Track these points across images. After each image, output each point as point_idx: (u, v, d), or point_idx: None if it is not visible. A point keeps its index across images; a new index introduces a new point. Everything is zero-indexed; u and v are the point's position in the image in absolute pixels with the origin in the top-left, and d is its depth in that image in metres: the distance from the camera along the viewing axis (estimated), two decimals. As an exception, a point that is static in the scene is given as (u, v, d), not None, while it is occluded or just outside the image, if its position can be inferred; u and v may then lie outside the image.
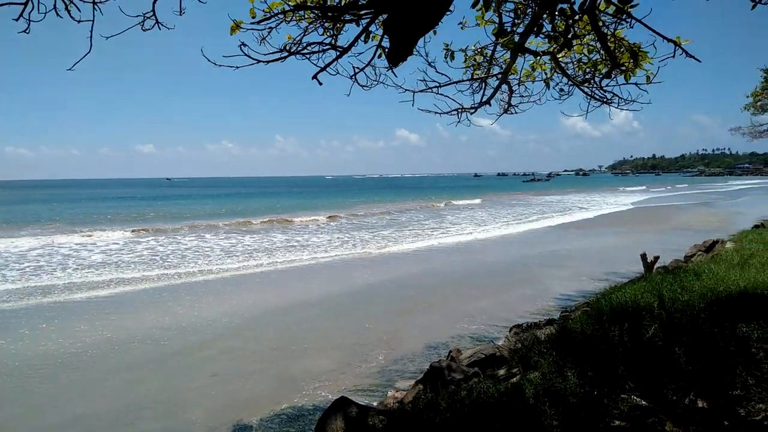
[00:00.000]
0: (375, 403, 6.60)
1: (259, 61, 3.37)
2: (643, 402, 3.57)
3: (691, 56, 4.27)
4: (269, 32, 3.52)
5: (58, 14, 2.73)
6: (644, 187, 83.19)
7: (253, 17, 3.52)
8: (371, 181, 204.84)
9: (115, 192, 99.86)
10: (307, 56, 3.09)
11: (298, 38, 3.56)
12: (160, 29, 2.92)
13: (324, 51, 3.14)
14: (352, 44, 2.97)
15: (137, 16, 2.94)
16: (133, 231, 26.30)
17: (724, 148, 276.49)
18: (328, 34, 3.70)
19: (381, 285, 13.80)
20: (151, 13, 2.94)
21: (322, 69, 2.99)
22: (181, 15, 3.53)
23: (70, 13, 2.73)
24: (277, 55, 3.40)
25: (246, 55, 2.83)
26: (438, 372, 5.87)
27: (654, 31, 4.22)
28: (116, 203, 59.26)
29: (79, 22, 2.86)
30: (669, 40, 4.23)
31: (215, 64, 3.39)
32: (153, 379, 7.87)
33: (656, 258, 9.65)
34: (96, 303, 12.09)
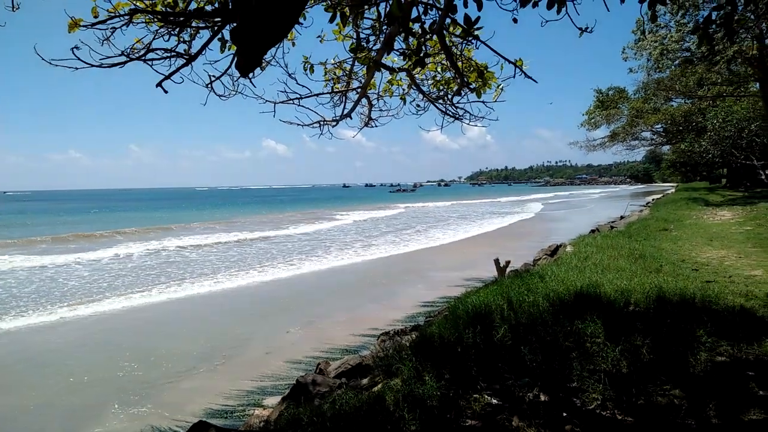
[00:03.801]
0: (240, 425, 6.37)
1: (100, 65, 3.12)
2: (494, 400, 3.81)
3: (528, 77, 4.67)
4: (113, 33, 3.28)
5: None
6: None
7: (96, 16, 3.26)
8: (241, 193, 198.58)
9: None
10: (149, 62, 2.90)
11: (148, 43, 3.36)
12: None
13: (168, 58, 2.97)
14: (199, 52, 2.85)
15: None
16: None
17: (566, 161, 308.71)
18: (182, 39, 3.53)
19: (253, 302, 13.45)
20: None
21: (167, 77, 2.83)
22: (14, 11, 3.16)
23: None
24: (119, 59, 3.17)
25: (77, 57, 2.60)
26: (304, 386, 5.80)
27: (497, 53, 4.56)
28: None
29: None
30: (510, 62, 4.60)
31: (51, 63, 3.08)
32: None
33: (508, 262, 10.38)
34: None
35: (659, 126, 45.63)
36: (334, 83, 5.52)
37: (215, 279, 16.18)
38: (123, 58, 3.13)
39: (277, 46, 4.19)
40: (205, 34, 3.46)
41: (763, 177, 30.17)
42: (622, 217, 26.85)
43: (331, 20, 4.00)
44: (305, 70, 4.83)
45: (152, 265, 19.56)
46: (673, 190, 59.29)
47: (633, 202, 48.48)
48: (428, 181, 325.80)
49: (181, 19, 2.92)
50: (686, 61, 24.15)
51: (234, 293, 14.25)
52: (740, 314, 5.56)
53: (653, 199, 44.61)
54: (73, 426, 6.68)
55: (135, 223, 40.38)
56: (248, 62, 2.42)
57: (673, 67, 26.66)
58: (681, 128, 43.34)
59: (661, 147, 62.80)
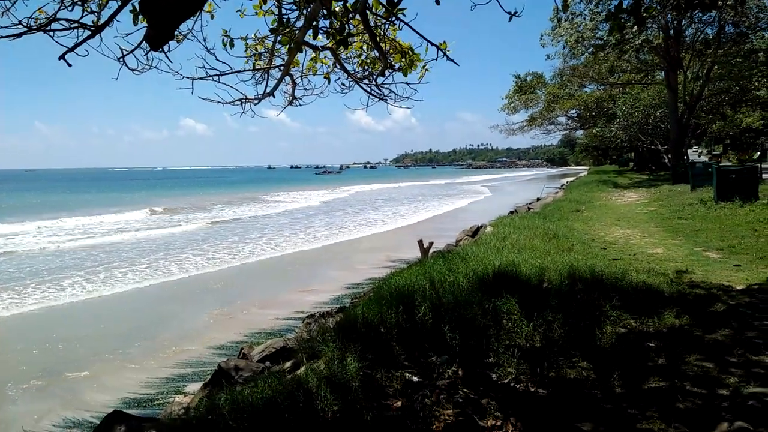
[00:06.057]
0: (160, 413, 6.17)
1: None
2: (415, 378, 3.90)
3: (451, 60, 4.72)
4: (14, 4, 3.00)
5: None
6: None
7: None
8: (161, 174, 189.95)
9: None
10: (51, 33, 2.68)
11: (54, 13, 3.10)
12: None
13: (73, 29, 2.76)
14: (105, 23, 2.66)
15: None
16: None
17: (487, 144, 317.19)
18: (89, 10, 3.28)
19: (178, 289, 13.09)
20: None
21: (70, 49, 2.62)
22: None
23: None
24: (17, 30, 2.91)
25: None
26: (226, 371, 5.67)
27: (420, 35, 4.57)
28: None
29: None
30: (433, 45, 4.63)
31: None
32: None
33: (431, 243, 10.58)
34: None
35: (574, 111, 47.92)
36: (256, 60, 5.32)
37: (141, 269, 15.17)
38: (21, 29, 2.87)
39: (194, 18, 3.99)
40: (115, 5, 3.24)
41: (667, 161, 32.40)
42: (538, 199, 27.99)
43: (250, -5, 3.86)
44: (225, 45, 4.63)
45: (71, 247, 18.57)
46: (586, 173, 62.45)
47: (549, 184, 50.56)
48: (354, 163, 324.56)
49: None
50: (599, 48, 25.33)
51: (163, 284, 13.55)
52: (643, 289, 5.97)
53: (567, 182, 46.64)
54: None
55: (49, 208, 37.13)
56: (159, 35, 2.28)
57: (587, 54, 27.88)
58: (593, 114, 45.76)
59: (575, 131, 66.07)
